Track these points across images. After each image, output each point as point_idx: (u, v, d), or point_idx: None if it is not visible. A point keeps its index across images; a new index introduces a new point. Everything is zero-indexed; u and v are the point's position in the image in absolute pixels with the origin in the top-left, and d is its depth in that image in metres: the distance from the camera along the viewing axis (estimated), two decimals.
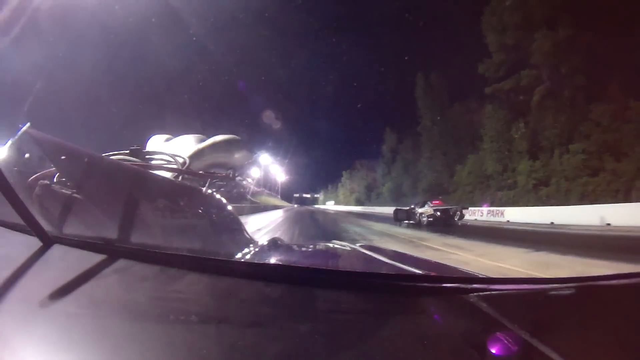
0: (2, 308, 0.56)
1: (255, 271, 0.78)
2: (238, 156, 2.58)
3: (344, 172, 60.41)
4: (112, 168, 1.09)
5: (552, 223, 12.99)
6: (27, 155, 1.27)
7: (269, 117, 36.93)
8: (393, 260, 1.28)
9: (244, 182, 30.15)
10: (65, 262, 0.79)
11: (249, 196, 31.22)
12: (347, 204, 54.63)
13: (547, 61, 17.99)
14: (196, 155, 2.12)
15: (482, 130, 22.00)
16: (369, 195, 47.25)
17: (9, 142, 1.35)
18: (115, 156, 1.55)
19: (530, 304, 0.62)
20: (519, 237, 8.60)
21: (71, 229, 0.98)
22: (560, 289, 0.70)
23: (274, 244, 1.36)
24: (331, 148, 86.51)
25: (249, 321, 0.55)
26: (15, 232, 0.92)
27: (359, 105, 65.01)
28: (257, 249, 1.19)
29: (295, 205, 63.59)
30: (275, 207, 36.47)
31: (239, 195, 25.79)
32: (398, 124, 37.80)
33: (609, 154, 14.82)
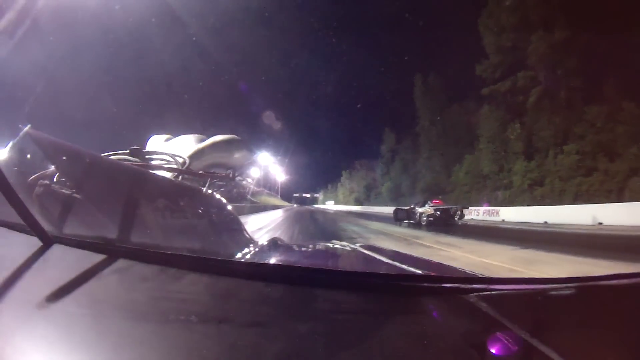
0: (2, 308, 0.56)
1: (255, 271, 0.78)
2: (238, 156, 2.59)
3: (343, 172, 60.60)
4: (112, 168, 1.09)
5: (545, 222, 13.09)
6: (28, 157, 1.27)
7: (269, 117, 37.04)
8: (393, 260, 1.28)
9: (244, 182, 30.10)
10: (65, 262, 0.78)
11: (248, 196, 31.15)
12: (346, 203, 54.60)
13: (543, 63, 18.11)
14: (196, 155, 2.12)
15: (479, 131, 22.10)
16: (368, 195, 47.22)
17: (10, 144, 1.35)
18: (115, 156, 1.55)
19: (530, 304, 0.63)
20: (510, 236, 8.69)
21: (71, 228, 0.97)
22: (560, 289, 0.70)
23: (274, 244, 1.36)
24: (331, 148, 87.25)
25: (249, 321, 0.55)
26: (15, 232, 0.92)
27: (358, 106, 65.18)
28: (257, 249, 1.19)
29: (295, 205, 63.39)
30: (275, 207, 36.34)
31: (239, 195, 25.76)
32: (397, 124, 38.01)
33: (603, 154, 14.96)
